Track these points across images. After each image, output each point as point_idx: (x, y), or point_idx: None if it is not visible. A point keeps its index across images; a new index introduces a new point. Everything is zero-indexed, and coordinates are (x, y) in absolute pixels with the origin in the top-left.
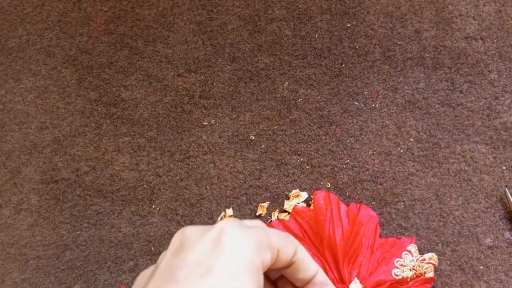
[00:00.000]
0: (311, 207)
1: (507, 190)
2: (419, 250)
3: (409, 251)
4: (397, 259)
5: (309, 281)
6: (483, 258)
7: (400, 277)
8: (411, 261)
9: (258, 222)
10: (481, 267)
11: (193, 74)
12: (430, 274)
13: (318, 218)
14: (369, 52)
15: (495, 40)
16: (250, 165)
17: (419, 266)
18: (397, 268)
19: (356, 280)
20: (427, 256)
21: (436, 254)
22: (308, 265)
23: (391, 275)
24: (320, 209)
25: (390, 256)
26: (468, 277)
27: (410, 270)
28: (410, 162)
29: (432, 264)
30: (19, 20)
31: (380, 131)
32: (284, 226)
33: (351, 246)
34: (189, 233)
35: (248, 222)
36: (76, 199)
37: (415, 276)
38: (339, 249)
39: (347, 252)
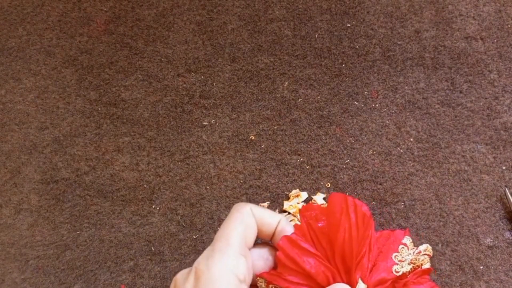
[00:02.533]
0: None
1: (507, 190)
2: (413, 243)
3: (405, 244)
4: (395, 254)
5: None
6: (483, 258)
7: (400, 273)
8: (408, 254)
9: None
10: (481, 267)
11: (193, 74)
12: (427, 265)
13: (330, 221)
14: (369, 52)
15: (495, 40)
16: (250, 165)
17: (416, 259)
18: (397, 264)
19: (360, 281)
20: (422, 247)
21: (435, 254)
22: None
23: (392, 272)
24: (334, 212)
25: (386, 251)
26: (468, 277)
27: (408, 264)
28: (410, 162)
29: (428, 255)
30: (19, 20)
31: (380, 131)
32: (297, 232)
33: (360, 251)
34: (178, 278)
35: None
36: (76, 199)
37: (412, 269)
38: (354, 255)
39: (357, 257)
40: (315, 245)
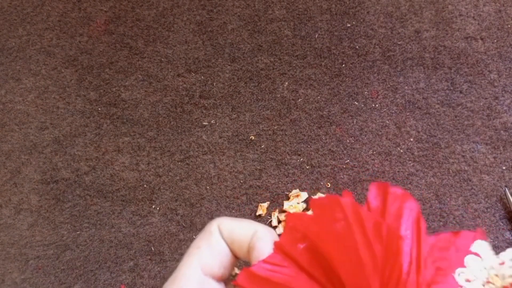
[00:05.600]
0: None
1: (507, 190)
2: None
3: (477, 254)
4: (460, 270)
5: None
6: None
7: None
8: (481, 270)
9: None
10: None
11: (193, 74)
12: None
13: (321, 235)
14: (369, 52)
15: (495, 40)
16: (250, 165)
17: (497, 275)
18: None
19: None
20: (508, 255)
21: None
22: (264, 250)
23: None
24: (321, 221)
25: (447, 265)
26: None
27: (483, 285)
28: (410, 162)
29: None
30: (19, 20)
31: (380, 131)
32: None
33: (389, 273)
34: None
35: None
36: (76, 199)
37: None
38: (372, 280)
39: (384, 282)
40: (307, 267)
